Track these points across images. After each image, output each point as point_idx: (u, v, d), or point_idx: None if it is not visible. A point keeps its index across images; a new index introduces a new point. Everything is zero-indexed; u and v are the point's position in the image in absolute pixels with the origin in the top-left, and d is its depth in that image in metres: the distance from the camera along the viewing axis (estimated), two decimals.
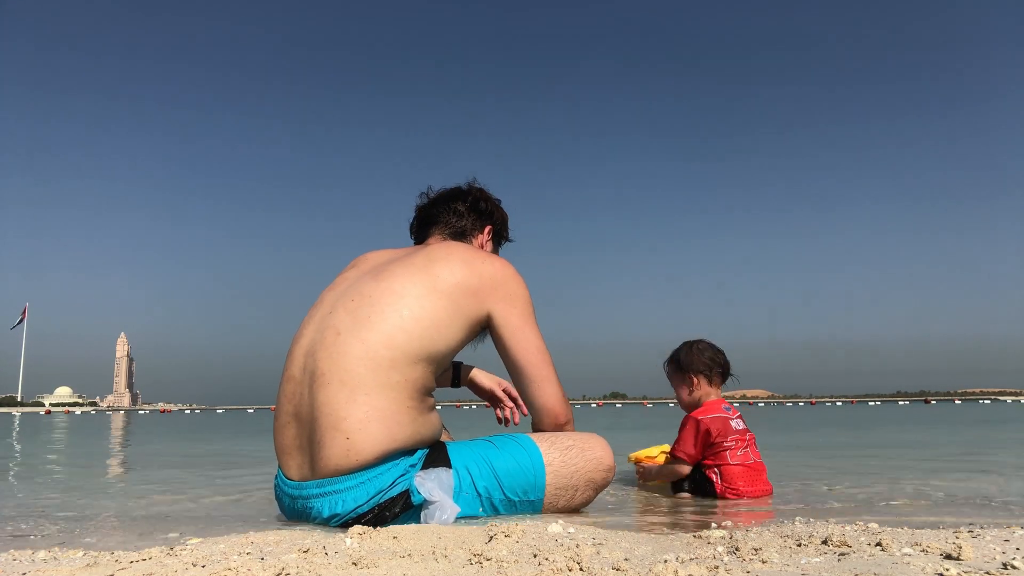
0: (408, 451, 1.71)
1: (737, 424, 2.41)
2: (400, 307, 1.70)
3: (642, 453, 2.68)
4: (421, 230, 2.10)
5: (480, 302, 1.78)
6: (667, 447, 2.57)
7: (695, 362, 2.50)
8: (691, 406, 2.50)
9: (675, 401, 2.58)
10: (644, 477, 2.62)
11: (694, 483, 2.42)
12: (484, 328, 1.85)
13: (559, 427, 1.88)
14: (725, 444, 2.36)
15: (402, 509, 1.65)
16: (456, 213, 2.06)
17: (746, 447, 2.38)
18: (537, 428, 1.91)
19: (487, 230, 2.10)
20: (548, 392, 1.85)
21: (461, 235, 2.05)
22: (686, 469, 2.41)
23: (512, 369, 1.86)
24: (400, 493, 1.65)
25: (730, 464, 2.34)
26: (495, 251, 2.14)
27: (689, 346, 2.56)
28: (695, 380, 2.49)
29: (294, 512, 1.75)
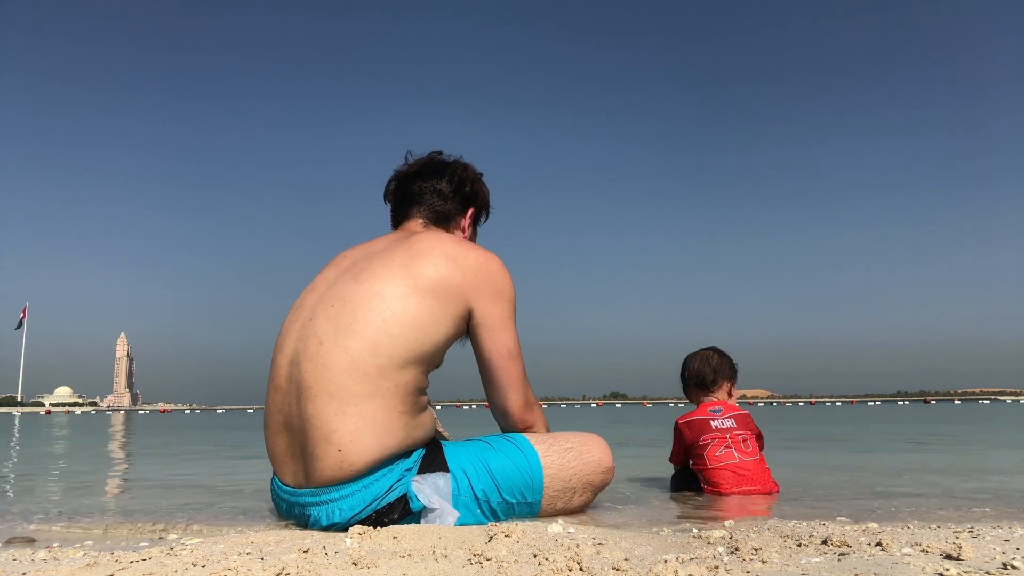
0: (402, 453, 1.68)
1: (722, 423, 2.41)
2: (382, 310, 1.64)
3: None
4: (400, 207, 2.01)
5: (464, 298, 1.73)
6: None
7: (683, 371, 2.64)
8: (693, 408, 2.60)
9: (674, 401, 2.65)
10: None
11: (695, 483, 2.44)
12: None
13: (512, 426, 1.87)
14: (701, 443, 2.39)
15: (401, 515, 1.63)
16: (439, 195, 1.96)
17: (727, 447, 2.36)
18: (502, 429, 1.90)
19: (469, 213, 2.02)
20: (512, 399, 1.82)
21: (444, 219, 1.97)
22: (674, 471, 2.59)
23: (482, 368, 1.82)
24: (398, 498, 1.63)
25: (709, 468, 2.36)
26: (475, 231, 2.07)
27: (683, 364, 2.66)
28: (691, 388, 2.62)
29: (291, 516, 1.74)
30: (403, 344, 1.64)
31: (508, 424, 1.87)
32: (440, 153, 2.05)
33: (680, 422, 2.50)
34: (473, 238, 2.07)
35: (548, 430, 1.92)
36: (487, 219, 2.13)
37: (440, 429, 2.06)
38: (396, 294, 1.66)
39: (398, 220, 2.01)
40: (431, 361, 1.72)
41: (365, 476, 1.63)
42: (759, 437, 2.47)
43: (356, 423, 1.60)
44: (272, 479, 1.80)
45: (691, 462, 2.46)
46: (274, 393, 1.72)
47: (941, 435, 6.68)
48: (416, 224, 1.96)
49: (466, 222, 2.02)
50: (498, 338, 1.78)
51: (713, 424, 2.41)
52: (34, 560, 1.28)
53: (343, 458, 1.60)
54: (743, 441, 2.39)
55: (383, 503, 1.63)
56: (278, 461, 1.73)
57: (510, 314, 1.81)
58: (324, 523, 1.64)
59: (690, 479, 2.47)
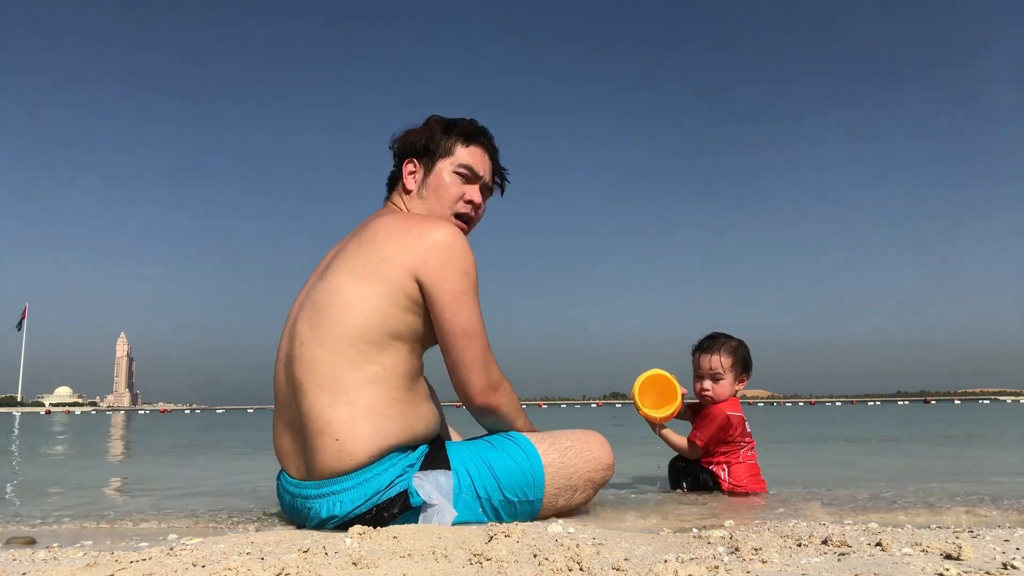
0: (404, 447, 1.69)
1: (748, 426, 2.48)
2: (343, 304, 1.66)
3: (644, 382, 2.36)
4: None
5: (411, 273, 1.68)
6: (668, 378, 2.37)
7: (751, 363, 2.51)
8: (720, 401, 2.48)
9: None
10: (654, 429, 2.46)
11: (694, 480, 2.45)
12: None
13: (475, 409, 1.80)
14: (742, 443, 2.44)
15: (400, 510, 1.64)
16: (393, 170, 1.98)
17: (752, 450, 2.47)
18: (470, 412, 1.85)
19: (406, 163, 1.93)
20: (471, 380, 1.73)
21: (395, 185, 1.97)
22: (696, 455, 2.44)
23: (440, 347, 1.76)
24: (398, 494, 1.64)
25: (740, 463, 2.41)
26: (429, 169, 1.90)
27: (744, 344, 2.53)
28: (743, 383, 2.52)
29: (293, 510, 1.76)
30: (372, 328, 1.64)
31: (469, 407, 1.81)
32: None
33: (732, 415, 2.41)
34: (425, 178, 1.91)
35: (519, 411, 1.86)
36: (459, 145, 1.91)
37: (450, 429, 2.07)
38: (351, 285, 1.67)
39: None
40: (415, 339, 1.71)
41: (366, 468, 1.64)
42: None
43: (350, 411, 1.62)
44: (279, 473, 1.83)
45: (713, 455, 2.45)
46: (277, 394, 1.78)
47: (940, 435, 6.68)
48: (387, 202, 1.98)
49: (406, 173, 1.92)
50: (450, 315, 1.70)
51: (746, 426, 2.46)
52: (34, 560, 1.28)
53: (341, 447, 1.62)
54: (755, 446, 2.48)
55: (383, 498, 1.64)
56: (284, 457, 1.77)
57: (466, 289, 1.71)
58: (324, 515, 1.65)
59: (699, 477, 2.46)
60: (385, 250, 1.69)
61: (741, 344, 2.53)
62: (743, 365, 2.50)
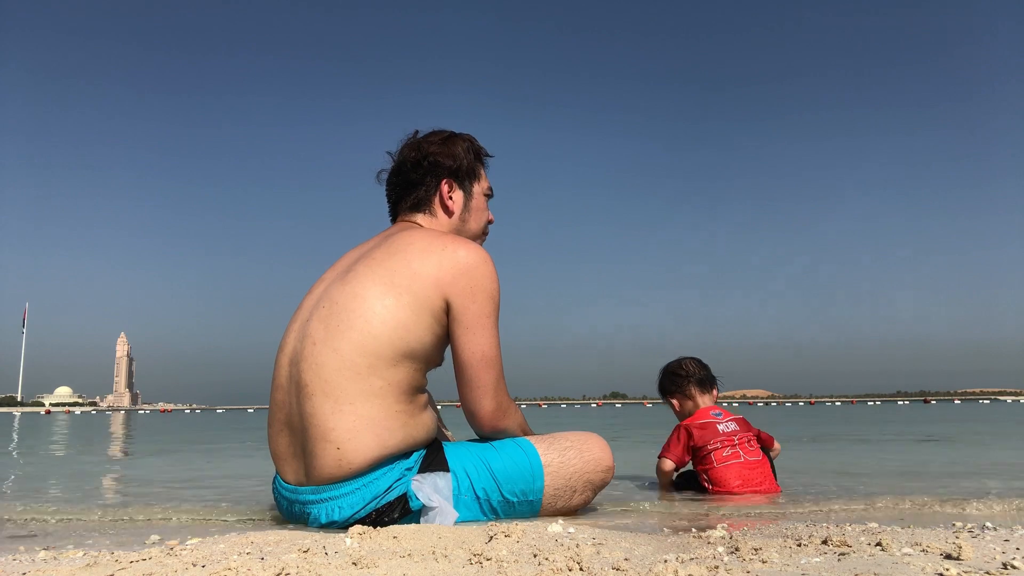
0: (402, 454, 1.69)
1: (727, 427, 2.47)
2: (364, 311, 1.64)
3: None
4: (392, 209, 2.00)
5: (440, 291, 1.69)
6: None
7: (667, 386, 2.68)
8: (684, 418, 2.62)
9: None
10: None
11: (693, 486, 2.46)
12: None
13: (481, 430, 1.83)
14: (709, 447, 2.43)
15: (400, 514, 1.64)
16: (408, 185, 1.92)
17: (734, 447, 2.43)
18: (474, 431, 1.87)
19: (443, 184, 1.91)
20: (483, 404, 1.76)
21: (421, 204, 1.91)
22: (668, 465, 2.51)
23: (455, 366, 1.77)
24: (397, 498, 1.65)
25: (715, 467, 2.40)
26: (466, 194, 1.95)
27: (664, 370, 2.72)
28: (675, 401, 2.66)
29: (292, 515, 1.76)
30: (387, 343, 1.64)
31: (476, 427, 1.84)
32: (415, 134, 1.97)
33: (688, 424, 2.51)
34: (467, 202, 1.95)
35: (522, 431, 1.89)
36: (482, 168, 2.00)
37: (443, 430, 2.06)
38: (376, 294, 1.67)
39: (393, 219, 2.01)
40: (424, 359, 1.71)
41: (365, 474, 1.64)
42: (765, 438, 2.52)
43: (353, 421, 1.61)
44: (274, 477, 1.82)
45: (694, 464, 2.49)
46: (276, 392, 1.75)
47: (941, 435, 6.68)
48: (403, 218, 1.94)
49: (445, 194, 1.91)
50: (473, 337, 1.72)
51: (719, 428, 2.46)
52: (34, 560, 1.28)
53: (341, 456, 1.61)
54: (747, 442, 2.46)
55: (383, 502, 1.64)
56: (280, 459, 1.75)
57: (489, 312, 1.74)
58: (324, 521, 1.65)
59: (691, 479, 2.50)
60: (417, 264, 1.69)
61: (661, 370, 2.74)
62: (659, 392, 2.72)
